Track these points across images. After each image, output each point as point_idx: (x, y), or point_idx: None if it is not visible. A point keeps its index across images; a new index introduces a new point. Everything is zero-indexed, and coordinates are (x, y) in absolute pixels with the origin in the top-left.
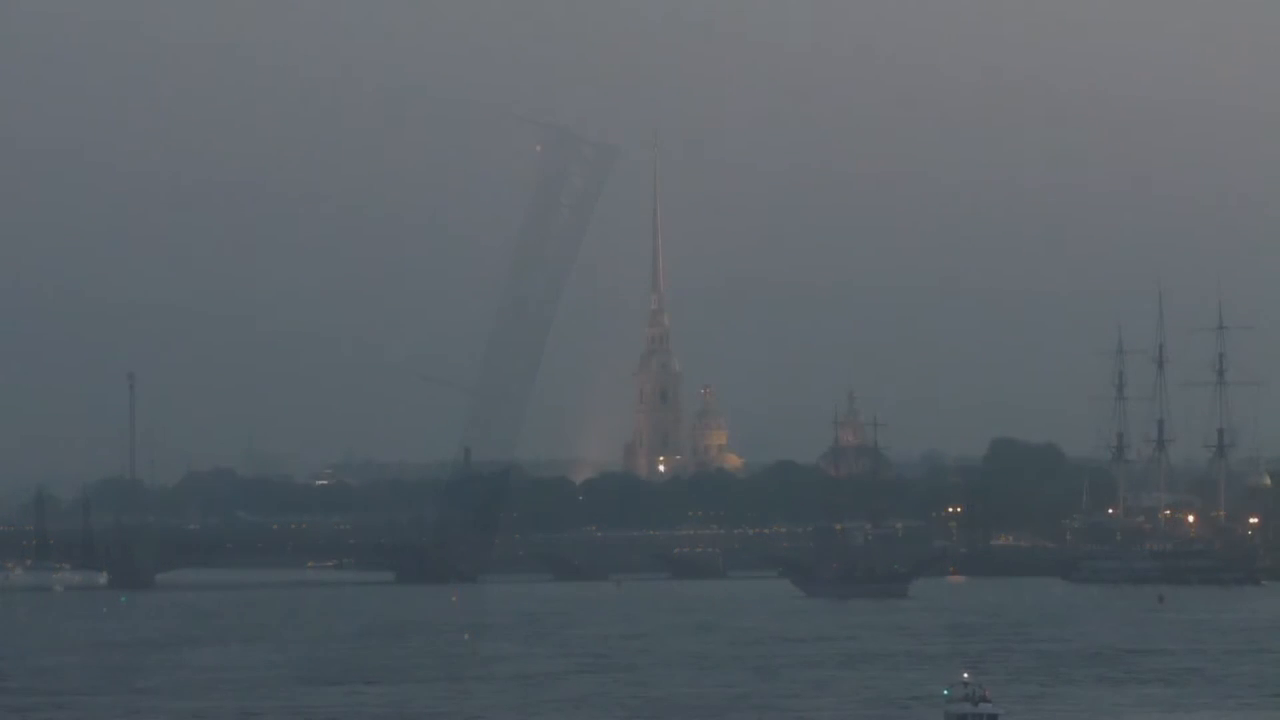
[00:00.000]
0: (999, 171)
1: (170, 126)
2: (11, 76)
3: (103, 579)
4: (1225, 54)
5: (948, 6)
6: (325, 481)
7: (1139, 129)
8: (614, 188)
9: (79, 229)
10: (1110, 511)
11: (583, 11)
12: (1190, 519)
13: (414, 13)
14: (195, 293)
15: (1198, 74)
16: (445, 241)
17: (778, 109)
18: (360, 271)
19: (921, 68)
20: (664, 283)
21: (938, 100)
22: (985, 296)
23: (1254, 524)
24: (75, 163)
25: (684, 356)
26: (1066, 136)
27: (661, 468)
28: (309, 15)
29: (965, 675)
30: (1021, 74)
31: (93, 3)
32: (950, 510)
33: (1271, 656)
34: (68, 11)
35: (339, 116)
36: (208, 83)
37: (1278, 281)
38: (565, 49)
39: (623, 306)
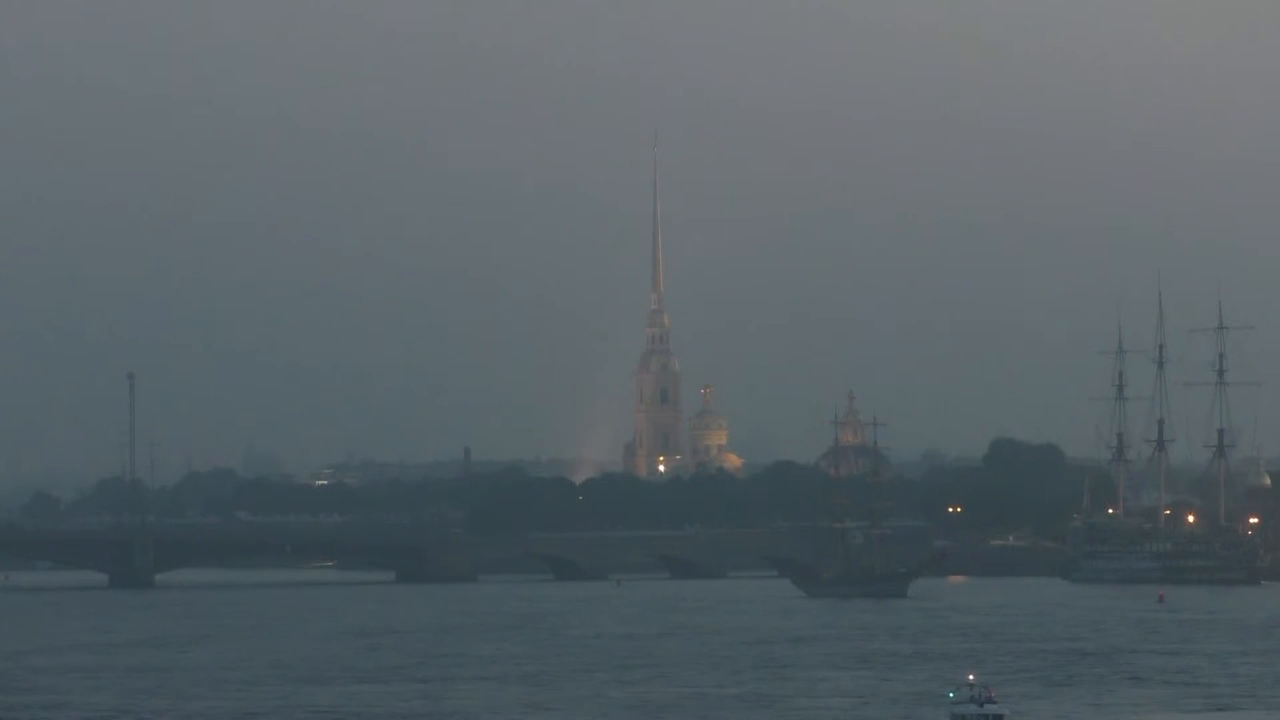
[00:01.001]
0: (999, 172)
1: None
2: (18, 81)
3: (103, 579)
4: (1225, 55)
5: (954, 10)
6: (325, 481)
7: (1140, 131)
8: (613, 187)
9: (79, 228)
10: (1110, 511)
11: (585, 11)
12: (1190, 519)
13: (411, 20)
14: (196, 293)
15: (1199, 75)
16: (444, 242)
17: (778, 108)
18: (360, 272)
19: (922, 66)
20: (664, 283)
21: (939, 100)
22: (984, 297)
23: (1254, 524)
24: (78, 164)
25: (684, 356)
26: (1067, 138)
27: (661, 468)
28: (312, 67)
29: (971, 676)
30: (1022, 76)
31: (122, 35)
32: (950, 510)
33: (1271, 656)
34: (92, 37)
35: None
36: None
37: (1278, 281)
38: (566, 48)
39: (623, 306)
